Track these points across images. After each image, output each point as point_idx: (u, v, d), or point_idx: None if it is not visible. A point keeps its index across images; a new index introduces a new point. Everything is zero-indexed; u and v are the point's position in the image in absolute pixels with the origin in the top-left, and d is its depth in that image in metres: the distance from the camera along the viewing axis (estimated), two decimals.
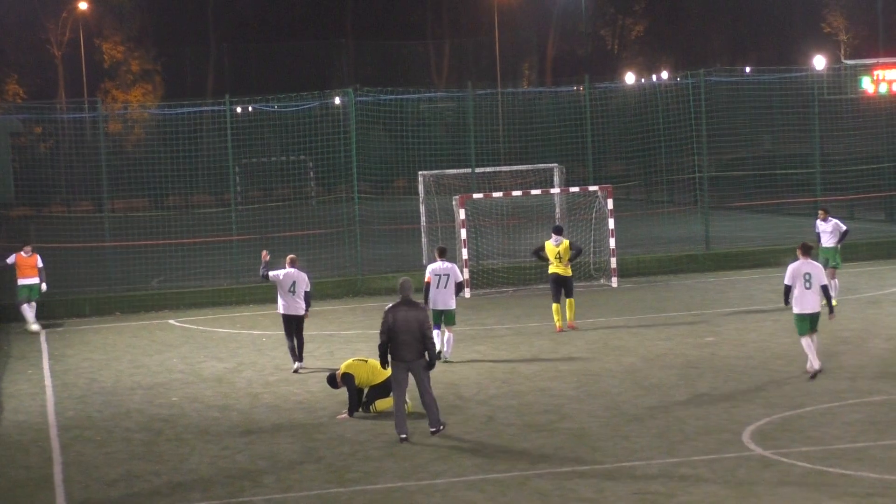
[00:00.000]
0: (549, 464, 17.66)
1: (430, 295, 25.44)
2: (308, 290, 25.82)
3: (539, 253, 29.71)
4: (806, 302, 22.48)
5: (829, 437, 18.30)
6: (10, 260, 33.90)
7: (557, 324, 29.06)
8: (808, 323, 22.54)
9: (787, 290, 22.57)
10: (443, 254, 25.88)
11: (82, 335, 32.55)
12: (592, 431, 19.38)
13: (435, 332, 24.06)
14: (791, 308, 22.68)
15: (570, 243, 29.39)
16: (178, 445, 19.95)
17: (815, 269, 22.57)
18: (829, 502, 15.38)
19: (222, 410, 22.35)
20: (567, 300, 29.14)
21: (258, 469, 18.25)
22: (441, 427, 19.73)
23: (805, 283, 22.39)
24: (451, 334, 25.86)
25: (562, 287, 29.06)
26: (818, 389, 21.44)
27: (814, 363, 22.61)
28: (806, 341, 22.63)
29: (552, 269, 29.16)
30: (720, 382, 22.43)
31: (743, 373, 23.17)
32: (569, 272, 29.19)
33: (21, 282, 33.57)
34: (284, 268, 25.81)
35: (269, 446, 19.56)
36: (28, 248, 33.83)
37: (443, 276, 25.50)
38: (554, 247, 29.12)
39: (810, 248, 22.88)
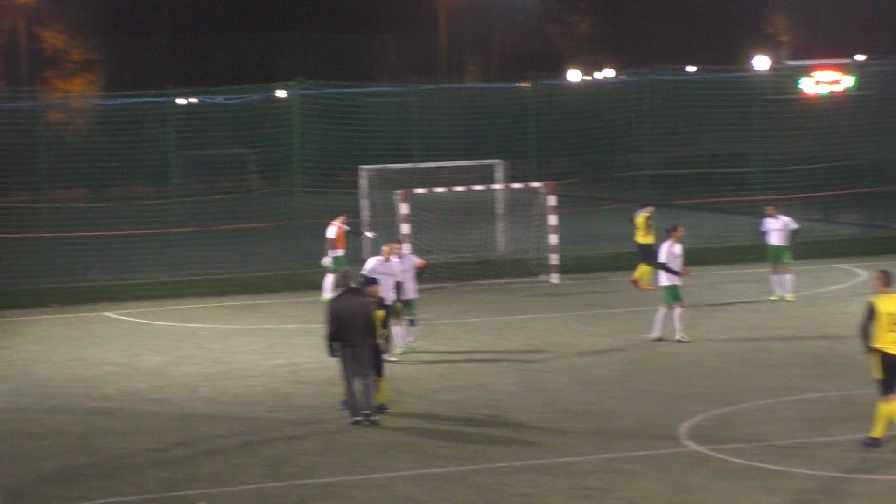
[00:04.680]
0: (486, 459, 17.72)
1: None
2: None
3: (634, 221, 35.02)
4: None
5: (764, 433, 18.47)
6: (332, 233, 33.62)
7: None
8: None
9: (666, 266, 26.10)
10: None
11: (18, 327, 32.24)
12: (530, 427, 19.46)
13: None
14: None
15: (646, 216, 34.39)
16: (114, 439, 19.85)
17: None
18: (763, 498, 15.53)
19: (159, 404, 22.25)
20: (643, 266, 33.78)
21: (194, 463, 18.19)
22: (374, 418, 19.80)
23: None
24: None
25: (641, 252, 34.06)
26: (754, 386, 21.64)
27: (656, 331, 26.24)
28: (663, 313, 26.16)
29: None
30: (658, 379, 22.58)
31: (681, 369, 23.35)
32: (647, 240, 33.92)
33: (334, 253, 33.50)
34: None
35: (205, 440, 19.50)
36: (344, 219, 34.03)
37: None
38: (636, 217, 34.71)
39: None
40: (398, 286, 24.68)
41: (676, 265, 26.06)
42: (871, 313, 17.38)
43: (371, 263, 24.92)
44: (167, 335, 29.83)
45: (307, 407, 21.45)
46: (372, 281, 21.18)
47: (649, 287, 33.59)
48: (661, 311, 26.22)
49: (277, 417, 20.80)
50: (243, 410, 21.44)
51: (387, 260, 24.84)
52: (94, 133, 48.71)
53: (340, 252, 33.70)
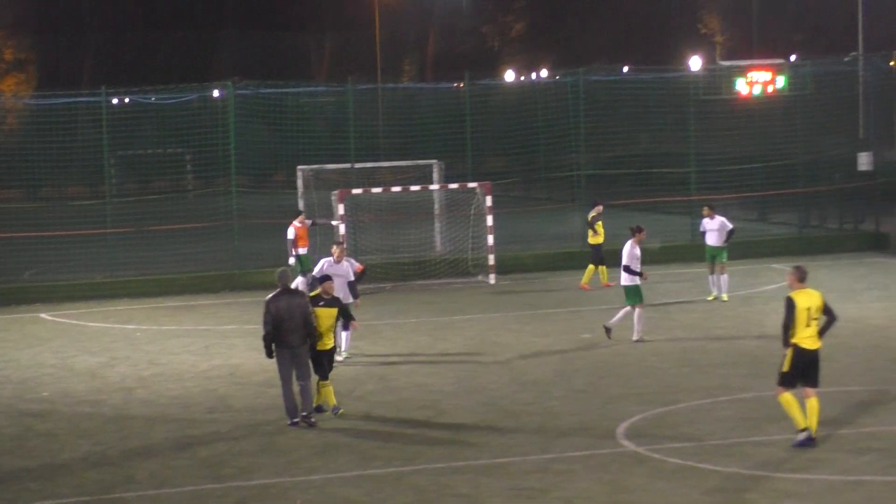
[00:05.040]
0: (425, 460, 17.71)
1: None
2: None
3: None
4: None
5: (701, 433, 18.58)
6: (291, 234, 33.80)
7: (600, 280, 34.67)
8: None
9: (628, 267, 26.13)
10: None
11: None
12: (469, 427, 19.47)
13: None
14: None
15: (593, 216, 34.82)
16: (48, 441, 19.66)
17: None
18: (701, 498, 15.62)
19: (95, 405, 22.07)
20: (591, 266, 34.50)
21: (131, 465, 18.05)
22: (312, 420, 19.76)
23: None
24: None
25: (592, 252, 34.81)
26: (691, 386, 21.76)
27: (613, 321, 26.29)
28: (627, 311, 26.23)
29: None
30: (596, 379, 22.66)
31: (618, 369, 23.44)
32: (595, 240, 34.71)
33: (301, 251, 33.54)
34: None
35: (142, 442, 19.36)
36: (302, 217, 34.20)
37: None
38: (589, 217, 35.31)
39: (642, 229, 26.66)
40: (351, 286, 24.67)
41: (637, 266, 26.04)
42: (790, 309, 17.61)
43: (321, 265, 24.81)
44: (103, 336, 29.59)
45: (245, 408, 21.35)
46: (326, 278, 21.08)
47: (587, 286, 33.96)
48: (626, 309, 26.26)
49: (215, 419, 20.68)
50: (180, 412, 21.31)
51: (338, 261, 24.79)
52: (28, 133, 48.18)
53: (303, 250, 33.86)
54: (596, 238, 34.82)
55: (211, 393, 22.72)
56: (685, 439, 18.21)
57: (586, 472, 16.73)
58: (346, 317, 21.70)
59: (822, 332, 17.78)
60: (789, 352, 17.62)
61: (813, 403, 17.67)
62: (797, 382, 17.70)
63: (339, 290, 23.25)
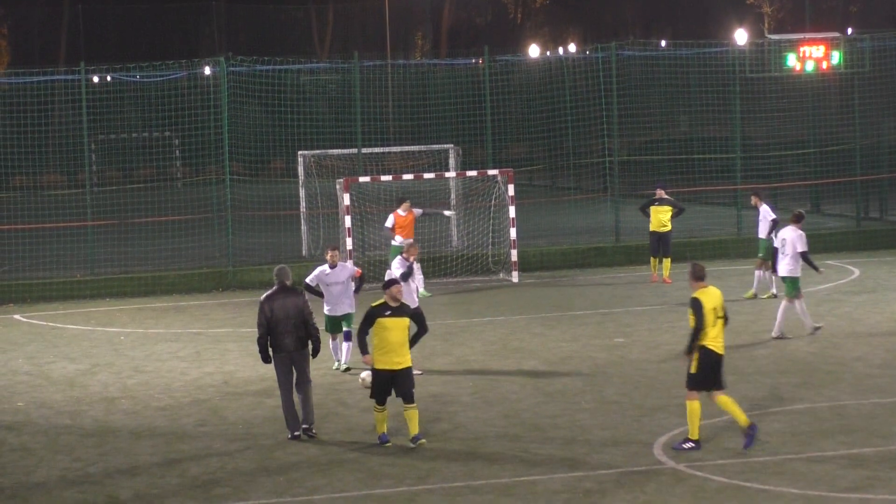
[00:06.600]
0: (440, 478, 17.73)
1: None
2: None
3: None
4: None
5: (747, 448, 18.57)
6: (389, 223, 33.45)
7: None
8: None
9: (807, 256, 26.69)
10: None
11: None
12: (488, 442, 19.49)
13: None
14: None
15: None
16: (23, 456, 19.74)
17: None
18: None
19: (74, 417, 22.15)
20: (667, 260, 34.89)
21: (113, 483, 18.11)
22: (314, 433, 19.81)
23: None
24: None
25: (662, 242, 34.93)
26: (736, 396, 21.67)
27: (778, 329, 26.65)
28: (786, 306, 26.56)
29: None
30: (630, 388, 22.67)
31: (655, 378, 23.43)
32: (651, 228, 34.94)
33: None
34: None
35: (126, 457, 19.43)
36: (406, 205, 33.56)
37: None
38: (657, 204, 34.96)
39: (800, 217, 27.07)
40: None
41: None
42: (699, 310, 18.32)
43: (318, 272, 24.62)
44: (83, 341, 29.69)
45: (240, 421, 21.41)
46: (393, 282, 19.88)
47: (668, 280, 34.64)
48: (784, 305, 26.64)
49: (206, 432, 20.74)
50: (168, 425, 21.38)
51: (408, 259, 24.84)
52: None
53: (399, 241, 32.80)
54: (651, 225, 34.80)
55: (202, 403, 22.78)
56: (730, 455, 18.22)
57: (620, 492, 16.75)
58: (420, 326, 20.36)
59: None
60: (695, 354, 18.35)
61: (725, 398, 18.52)
62: (706, 386, 18.49)
63: (408, 296, 22.39)
